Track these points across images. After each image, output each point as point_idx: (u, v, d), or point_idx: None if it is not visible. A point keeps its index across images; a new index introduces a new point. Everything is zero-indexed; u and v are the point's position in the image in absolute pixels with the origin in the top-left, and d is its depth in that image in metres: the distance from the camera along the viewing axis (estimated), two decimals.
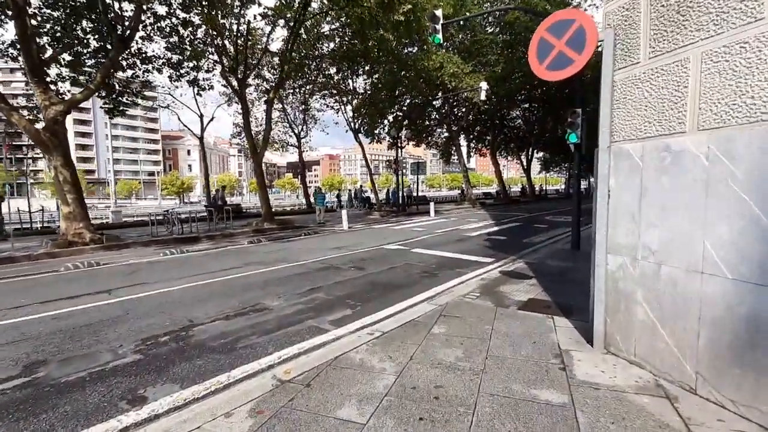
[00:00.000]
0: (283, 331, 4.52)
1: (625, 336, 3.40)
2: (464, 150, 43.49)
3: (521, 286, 6.09)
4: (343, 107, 23.33)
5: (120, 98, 17.30)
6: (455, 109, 32.48)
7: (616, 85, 3.41)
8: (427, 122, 34.13)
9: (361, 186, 36.03)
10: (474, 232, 13.22)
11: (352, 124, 23.08)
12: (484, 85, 18.93)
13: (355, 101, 24.30)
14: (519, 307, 5.05)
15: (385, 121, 27.53)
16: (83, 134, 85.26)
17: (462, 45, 27.01)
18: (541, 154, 50.16)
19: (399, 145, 23.71)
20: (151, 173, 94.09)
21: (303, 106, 25.75)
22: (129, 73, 16.98)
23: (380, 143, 29.49)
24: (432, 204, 20.41)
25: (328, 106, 24.37)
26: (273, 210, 18.33)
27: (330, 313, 5.12)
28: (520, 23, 25.71)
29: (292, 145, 27.70)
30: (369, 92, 23.91)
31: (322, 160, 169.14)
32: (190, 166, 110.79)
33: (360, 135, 23.48)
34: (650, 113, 3.13)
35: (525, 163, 41.46)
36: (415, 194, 33.50)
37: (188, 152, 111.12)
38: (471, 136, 39.23)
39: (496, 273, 7.06)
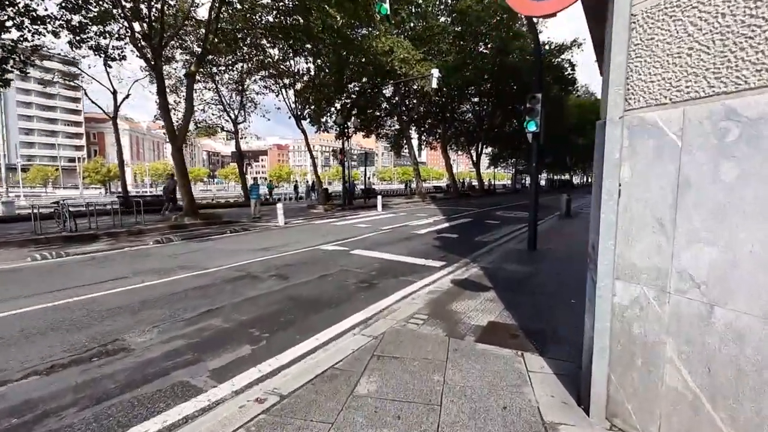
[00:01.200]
0: (130, 395, 2.92)
1: (641, 407, 2.22)
2: (415, 143, 42.87)
3: (478, 301, 4.90)
4: (284, 91, 21.22)
5: (4, 65, 14.18)
6: (406, 100, 31.41)
7: (636, 21, 2.18)
8: (378, 112, 32.86)
9: (316, 179, 34.00)
10: (423, 229, 12.09)
11: (294, 109, 21.09)
12: (435, 72, 17.87)
13: (298, 85, 22.29)
14: (478, 337, 3.81)
15: (332, 109, 25.78)
16: None
17: (413, 32, 25.85)
18: (490, 149, 50.79)
19: (346, 134, 22.11)
20: (73, 159, 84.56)
21: (240, 87, 23.24)
22: (16, 35, 13.93)
23: (328, 132, 27.73)
24: (380, 198, 19.12)
25: (268, 89, 22.10)
26: (207, 202, 16.05)
27: (217, 355, 3.58)
28: (473, 13, 25.04)
29: (227, 131, 25.04)
30: (314, 76, 22.04)
31: (270, 150, 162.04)
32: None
33: (303, 122, 21.56)
34: (699, 59, 1.93)
35: (475, 158, 41.51)
36: (363, 187, 32.31)
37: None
38: (422, 129, 38.52)
39: (447, 282, 5.85)
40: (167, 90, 21.10)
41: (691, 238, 1.96)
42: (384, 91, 30.28)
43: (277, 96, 21.82)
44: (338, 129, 21.98)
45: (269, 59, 19.47)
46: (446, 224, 13.52)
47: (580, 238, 9.85)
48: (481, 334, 3.89)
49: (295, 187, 32.74)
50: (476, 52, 28.53)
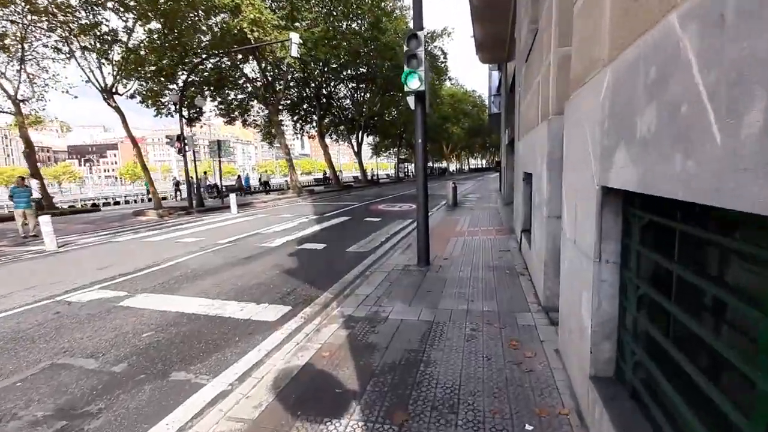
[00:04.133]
0: None
1: None
2: (290, 132, 38.62)
3: None
4: (86, 55, 15.10)
5: None
6: (275, 81, 27.04)
7: None
8: (241, 94, 27.82)
9: (205, 173, 27.52)
10: (279, 239, 8.70)
11: (100, 80, 15.12)
12: (294, 37, 14.37)
13: (119, 52, 16.34)
14: None
15: (174, 87, 20.18)
16: None
17: None
18: (371, 138, 49.19)
19: (185, 117, 17.08)
20: None
21: (20, 48, 16.15)
22: None
23: (170, 116, 21.86)
24: (233, 197, 14.93)
25: (58, 51, 15.52)
26: None
27: None
28: None
29: (4, 112, 17.50)
30: (144, 42, 16.40)
31: (122, 143, 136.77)
32: None
33: (115, 98, 15.67)
34: None
35: (356, 147, 39.15)
36: (215, 183, 27.00)
37: None
38: (297, 116, 34.48)
39: (269, 382, 2.68)
40: None
41: None
42: (246, 71, 25.50)
43: (69, 59, 15.47)
44: (173, 110, 16.79)
45: (63, 8, 13.38)
46: (315, 228, 10.33)
47: (477, 237, 7.65)
48: None
49: (176, 184, 28.56)
50: (348, 27, 25.66)
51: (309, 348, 3.24)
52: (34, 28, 15.01)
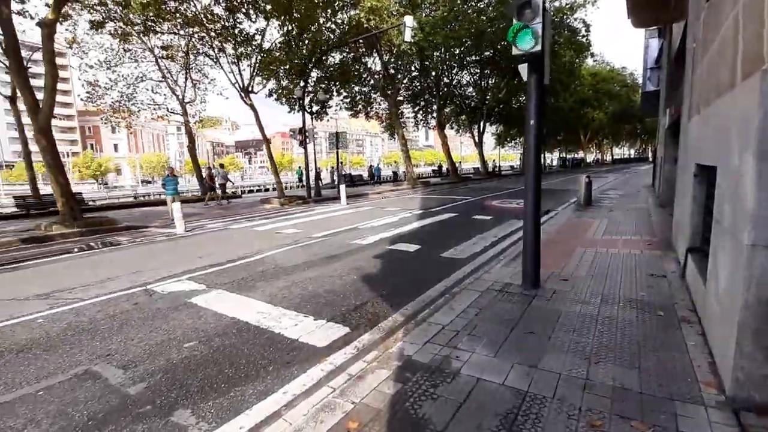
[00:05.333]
0: None
1: None
2: (411, 123, 38.39)
3: None
4: (232, 57, 16.95)
5: None
6: (398, 73, 26.87)
7: None
8: (364, 87, 28.40)
9: (340, 163, 30.93)
10: (373, 236, 8.08)
11: (239, 80, 16.77)
12: (408, 20, 13.56)
13: (257, 56, 18.05)
14: None
15: (303, 83, 21.59)
16: None
17: None
18: (494, 128, 45.96)
19: (308, 111, 17.93)
20: (74, 154, 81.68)
21: (184, 58, 19.14)
22: None
23: (313, 113, 23.43)
24: (343, 188, 15.05)
25: (206, 56, 17.80)
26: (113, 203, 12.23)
27: None
28: None
29: (173, 112, 21.07)
30: (279, 44, 17.83)
31: (274, 138, 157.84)
32: (115, 145, 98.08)
33: (250, 95, 17.22)
34: None
35: (477, 138, 36.91)
36: (345, 173, 28.33)
37: (113, 130, 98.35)
38: (417, 108, 34.00)
39: None
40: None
41: None
42: (369, 64, 25.89)
43: (215, 63, 17.57)
44: (298, 106, 17.75)
45: (207, 16, 15.26)
46: (415, 224, 9.46)
47: (615, 251, 5.71)
48: None
49: (317, 176, 31.14)
50: (471, 5, 23.74)
51: (337, 407, 2.36)
52: (193, 39, 17.42)
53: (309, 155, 18.32)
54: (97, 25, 14.07)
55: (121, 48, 18.14)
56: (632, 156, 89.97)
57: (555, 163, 62.64)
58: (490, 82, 33.86)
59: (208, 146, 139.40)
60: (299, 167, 39.49)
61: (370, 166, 36.36)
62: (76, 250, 7.83)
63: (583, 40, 34.19)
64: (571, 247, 6.43)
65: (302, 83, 20.29)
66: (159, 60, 19.21)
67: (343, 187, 15.02)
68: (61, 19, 12.32)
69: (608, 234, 7.36)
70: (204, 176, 19.00)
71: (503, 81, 32.77)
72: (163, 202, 17.09)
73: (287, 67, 18.75)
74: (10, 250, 8.48)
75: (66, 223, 10.28)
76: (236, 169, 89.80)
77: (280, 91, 20.88)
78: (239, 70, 16.65)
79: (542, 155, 3.94)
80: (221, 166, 18.48)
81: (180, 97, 20.43)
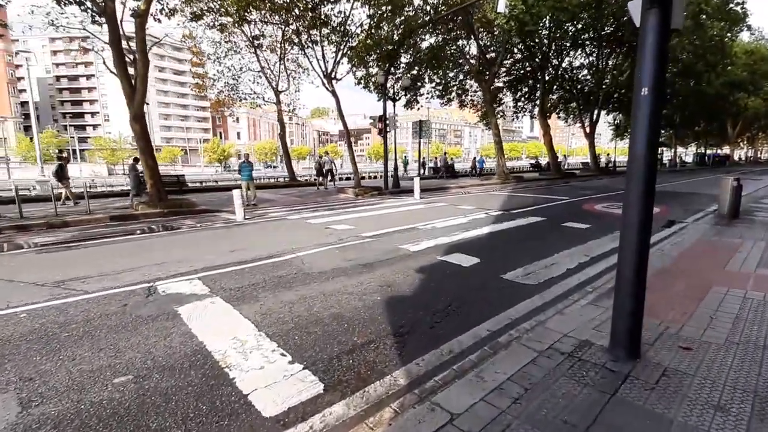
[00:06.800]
0: None
1: None
2: (510, 111, 35.05)
3: None
4: (312, 45, 16.79)
5: None
6: (498, 57, 24.38)
7: None
8: (459, 74, 26.36)
9: (445, 153, 31.61)
10: (428, 241, 6.81)
11: (322, 65, 16.49)
12: None
13: (351, 42, 17.71)
14: None
15: (393, 69, 20.85)
16: None
17: None
18: (612, 116, 39.68)
19: (390, 97, 16.97)
20: (206, 140, 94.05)
21: (280, 48, 19.67)
22: None
23: (396, 100, 22.67)
24: (417, 180, 13.80)
25: (291, 42, 17.89)
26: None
27: None
28: None
29: (267, 101, 21.96)
30: (371, 28, 17.26)
31: (373, 128, 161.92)
32: (238, 133, 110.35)
33: (336, 83, 16.88)
34: None
35: (588, 128, 32.17)
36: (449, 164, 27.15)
37: (236, 119, 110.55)
38: (519, 93, 30.69)
39: None
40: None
41: None
42: (463, 46, 23.91)
43: (302, 50, 17.56)
44: (382, 92, 16.88)
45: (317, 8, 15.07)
46: (485, 229, 7.89)
47: None
48: None
49: (422, 164, 31.02)
50: None
51: None
52: (282, 27, 17.68)
53: (392, 145, 17.46)
54: (196, 17, 14.94)
55: (224, 41, 19.30)
56: None
57: (690, 159, 52.36)
58: (609, 63, 28.99)
59: (315, 135, 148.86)
60: (405, 156, 39.45)
61: (474, 158, 34.76)
62: (138, 232, 8.08)
63: (738, 9, 27.22)
64: (703, 283, 4.39)
65: (388, 68, 19.43)
66: (257, 50, 20.04)
67: (417, 179, 13.83)
68: (169, 13, 13.19)
69: (766, 266, 5.00)
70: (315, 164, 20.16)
71: (627, 62, 27.75)
72: (266, 186, 18.03)
73: (377, 52, 18.06)
74: (99, 226, 9.21)
75: (151, 204, 10.99)
76: (337, 156, 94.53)
77: (367, 77, 20.41)
78: (322, 54, 16.38)
79: (650, 141, 2.35)
80: (326, 153, 19.32)
81: (275, 86, 21.16)
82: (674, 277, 4.61)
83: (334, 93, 16.61)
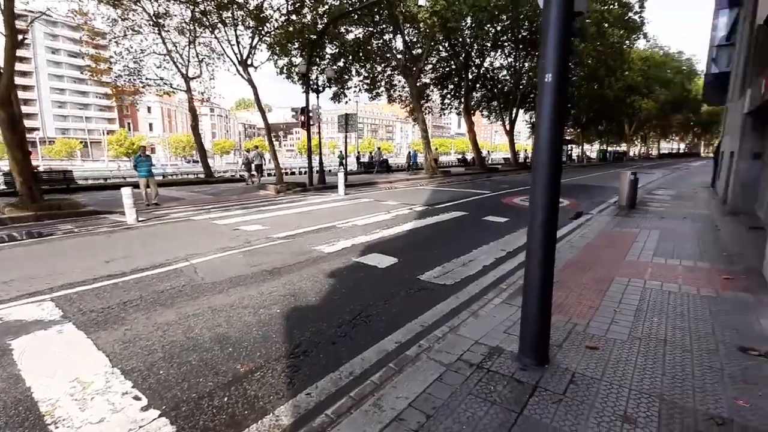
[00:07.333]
0: None
1: None
2: (437, 107, 35.94)
3: None
4: (230, 28, 15.43)
5: None
6: (423, 53, 24.52)
7: None
8: (387, 68, 26.27)
9: (378, 149, 31.51)
10: (345, 240, 6.37)
11: (237, 52, 15.16)
12: None
13: (270, 28, 16.52)
14: None
15: (319, 60, 20.07)
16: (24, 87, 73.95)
17: None
18: (529, 115, 42.59)
19: (313, 88, 16.20)
20: (110, 132, 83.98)
21: (189, 30, 17.81)
22: None
23: (321, 92, 21.79)
24: (341, 176, 13.32)
25: (200, 23, 16.29)
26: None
27: None
28: None
29: (176, 88, 19.90)
30: (290, 13, 16.19)
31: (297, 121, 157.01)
32: (150, 124, 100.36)
33: (252, 70, 15.62)
34: None
35: (507, 126, 34.07)
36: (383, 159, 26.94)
37: (148, 109, 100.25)
38: (445, 90, 31.53)
39: None
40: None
41: None
42: (392, 43, 23.74)
43: (212, 33, 16.11)
44: (303, 83, 16.01)
45: None
46: (407, 226, 7.65)
47: (672, 285, 3.64)
48: None
49: (342, 158, 30.56)
50: None
51: None
52: (194, 8, 15.97)
53: (323, 139, 16.70)
54: None
55: (121, 18, 17.00)
56: (682, 150, 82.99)
57: (594, 155, 58.14)
58: (525, 65, 30.87)
59: (240, 128, 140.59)
60: (340, 152, 38.63)
61: (409, 153, 35.31)
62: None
63: (637, 18, 30.47)
64: (608, 274, 4.48)
65: (310, 58, 18.61)
66: (161, 31, 17.98)
67: (341, 175, 13.31)
68: None
69: (661, 255, 5.31)
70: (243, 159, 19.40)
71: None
72: (179, 183, 16.27)
73: (299, 41, 17.14)
74: None
75: (21, 206, 9.19)
76: (264, 151, 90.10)
77: (290, 67, 19.45)
78: (236, 39, 15.10)
79: (555, 136, 2.24)
80: (255, 147, 18.17)
81: (184, 72, 19.22)
82: (581, 270, 4.67)
83: (250, 81, 15.39)
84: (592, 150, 62.83)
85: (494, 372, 2.54)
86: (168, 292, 4.16)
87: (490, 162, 40.17)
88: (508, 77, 32.49)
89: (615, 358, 2.70)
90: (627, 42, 32.07)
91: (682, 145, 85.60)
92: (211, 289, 4.24)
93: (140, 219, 8.34)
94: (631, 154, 62.39)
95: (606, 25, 26.99)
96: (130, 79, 19.60)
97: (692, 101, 47.60)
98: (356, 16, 19.52)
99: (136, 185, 11.48)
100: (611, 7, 27.19)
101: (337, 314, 3.61)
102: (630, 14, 29.72)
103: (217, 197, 12.79)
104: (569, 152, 47.49)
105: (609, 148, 57.10)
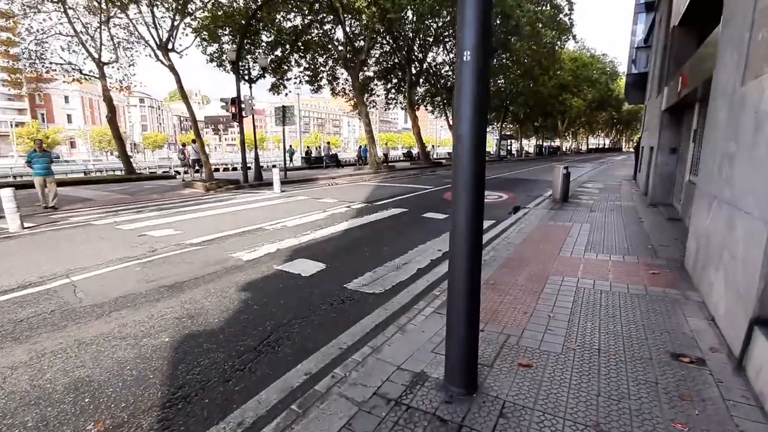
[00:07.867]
0: None
1: None
2: (382, 101, 35.64)
3: None
4: (146, 6, 13.79)
5: None
6: (364, 45, 23.91)
7: None
8: (328, 59, 25.37)
9: (328, 143, 30.31)
10: (271, 244, 5.75)
11: (155, 34, 13.55)
12: None
13: (193, 9, 15.03)
14: None
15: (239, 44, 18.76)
16: None
17: None
18: None
19: (245, 78, 15.07)
20: (21, 123, 74.18)
21: (101, 9, 15.80)
22: None
23: (254, 82, 20.44)
24: (276, 172, 12.49)
25: (123, 6, 14.50)
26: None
27: None
28: None
29: (88, 75, 17.67)
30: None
31: (246, 117, 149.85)
32: (69, 116, 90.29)
33: (173, 55, 14.12)
34: None
35: (450, 121, 34.61)
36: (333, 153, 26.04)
37: (66, 99, 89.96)
38: (389, 84, 31.26)
39: None
40: None
41: None
42: (333, 33, 22.93)
43: (124, 12, 14.41)
44: (233, 71, 14.81)
45: None
46: (341, 227, 7.14)
47: (605, 282, 3.49)
48: None
49: (290, 153, 29.59)
50: None
51: None
52: None
53: (251, 132, 15.63)
54: None
55: None
56: (606, 146, 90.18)
57: (531, 150, 61.24)
58: None
59: (175, 120, 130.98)
60: (290, 145, 36.78)
61: (360, 147, 34.89)
62: None
63: (566, 19, 32.10)
64: (543, 271, 4.31)
65: (241, 44, 17.38)
66: (67, 9, 15.82)
67: (276, 170, 12.45)
68: None
69: (592, 249, 5.29)
70: (180, 152, 18.18)
71: None
72: (93, 181, 14.66)
73: (230, 26, 15.87)
74: None
75: None
76: (206, 144, 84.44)
77: (220, 54, 18.07)
78: (154, 21, 13.58)
79: (477, 121, 1.96)
80: (193, 141, 16.58)
81: (97, 57, 17.11)
82: (517, 268, 4.47)
83: (171, 68, 13.93)
84: (530, 145, 66.10)
85: (414, 409, 2.13)
86: (29, 321, 3.32)
87: (435, 156, 40.77)
88: (450, 72, 32.94)
89: (549, 378, 2.41)
90: (558, 42, 33.75)
91: (607, 141, 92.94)
92: (87, 314, 3.46)
93: (28, 225, 7.05)
94: (564, 149, 66.53)
95: (540, 25, 28.11)
96: (31, 64, 17.15)
97: (615, 100, 51.67)
98: (292, 4, 18.51)
99: (31, 185, 9.89)
100: (544, 8, 28.35)
101: (241, 339, 3.03)
102: (561, 16, 31.25)
103: (135, 197, 11.42)
104: (509, 147, 49.53)
105: (544, 143, 60.41)
